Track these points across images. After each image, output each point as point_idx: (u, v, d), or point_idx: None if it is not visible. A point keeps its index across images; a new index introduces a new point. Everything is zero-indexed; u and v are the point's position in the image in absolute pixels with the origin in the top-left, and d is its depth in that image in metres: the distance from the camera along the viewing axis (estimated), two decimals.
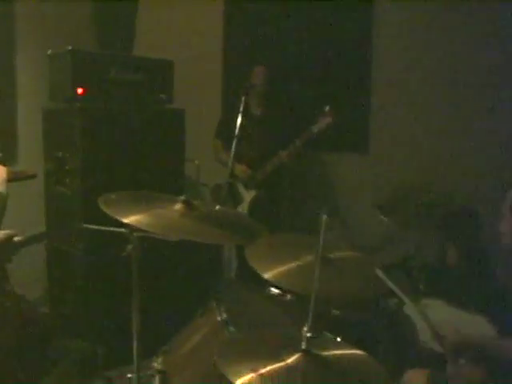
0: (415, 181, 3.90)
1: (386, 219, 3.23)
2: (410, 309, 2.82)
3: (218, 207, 2.13)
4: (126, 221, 1.78)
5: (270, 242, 2.19)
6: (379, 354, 2.66)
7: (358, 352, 1.68)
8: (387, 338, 2.72)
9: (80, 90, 3.21)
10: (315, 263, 1.58)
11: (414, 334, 2.56)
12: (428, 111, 4.18)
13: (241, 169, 4.03)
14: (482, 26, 3.99)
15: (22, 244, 2.50)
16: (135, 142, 3.39)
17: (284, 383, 1.45)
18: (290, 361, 1.50)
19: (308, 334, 1.53)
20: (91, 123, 3.23)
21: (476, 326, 2.62)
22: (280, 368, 1.47)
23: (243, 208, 3.97)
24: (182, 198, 1.99)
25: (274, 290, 2.57)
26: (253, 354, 1.56)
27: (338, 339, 2.27)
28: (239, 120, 3.28)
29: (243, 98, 3.44)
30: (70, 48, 3.20)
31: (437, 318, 2.70)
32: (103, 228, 2.13)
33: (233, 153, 3.21)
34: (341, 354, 1.64)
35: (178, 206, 1.94)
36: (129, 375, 2.24)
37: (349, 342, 2.00)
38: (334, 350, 1.64)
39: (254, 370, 1.46)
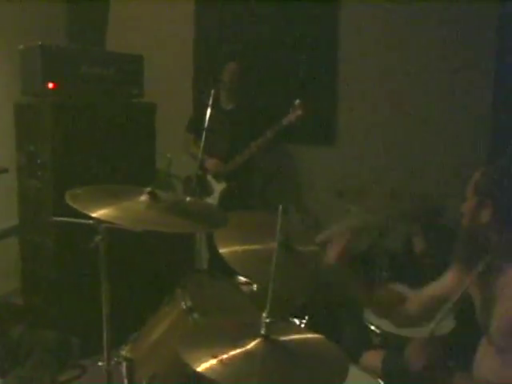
0: (381, 172, 4.02)
1: (352, 208, 3.30)
2: None
3: (185, 198, 2.18)
4: (93, 215, 1.82)
5: (241, 221, 2.24)
6: (342, 338, 2.77)
7: (317, 336, 1.75)
8: (349, 322, 2.81)
9: (51, 85, 3.23)
10: (275, 251, 1.63)
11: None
12: (394, 104, 4.28)
13: (211, 162, 4.08)
14: (445, 24, 4.11)
15: None
16: (106, 135, 3.42)
17: (244, 368, 1.49)
18: (249, 346, 1.54)
19: (267, 320, 1.57)
20: (62, 117, 3.26)
21: None
22: (240, 353, 1.52)
23: (214, 200, 4.02)
24: (148, 189, 2.04)
25: (242, 279, 2.65)
26: (214, 341, 1.61)
27: (302, 325, 2.36)
28: (208, 113, 3.33)
29: (212, 92, 3.50)
30: (40, 43, 3.21)
31: None
32: (72, 220, 2.17)
33: (202, 145, 3.26)
34: (299, 339, 1.70)
35: (144, 198, 1.99)
36: (99, 363, 2.31)
37: (313, 327, 2.08)
38: (292, 334, 1.70)
39: (214, 356, 1.50)
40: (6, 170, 3.60)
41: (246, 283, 2.61)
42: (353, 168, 4.33)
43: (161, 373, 1.97)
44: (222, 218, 2.04)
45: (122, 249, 2.70)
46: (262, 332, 1.57)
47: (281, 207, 1.58)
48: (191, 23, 4.82)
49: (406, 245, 3.49)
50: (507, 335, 1.75)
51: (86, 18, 4.80)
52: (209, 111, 3.43)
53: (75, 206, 1.87)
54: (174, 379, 1.95)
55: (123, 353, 2.06)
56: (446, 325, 2.49)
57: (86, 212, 1.86)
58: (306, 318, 2.44)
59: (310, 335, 1.76)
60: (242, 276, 2.58)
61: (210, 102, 3.45)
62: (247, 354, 1.53)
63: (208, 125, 3.44)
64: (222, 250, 1.99)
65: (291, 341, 1.65)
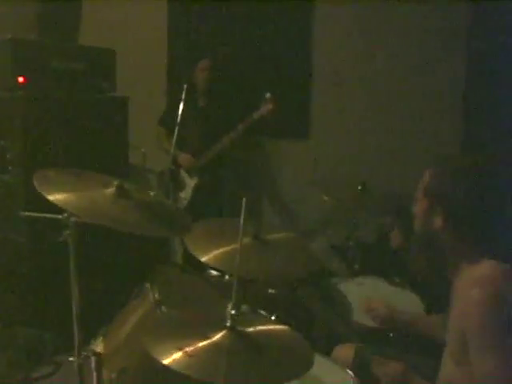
0: (354, 164, 4.05)
1: (327, 198, 3.32)
2: (345, 287, 2.95)
3: (152, 193, 2.18)
4: (51, 198, 1.80)
5: (207, 227, 2.27)
6: (314, 331, 2.78)
7: (283, 327, 1.76)
8: (322, 315, 2.82)
9: (21, 79, 3.19)
10: (239, 241, 1.64)
11: (349, 311, 2.68)
12: (367, 97, 4.32)
13: (184, 157, 4.07)
14: (419, 13, 4.14)
15: None
16: (78, 130, 3.40)
17: (210, 360, 1.50)
18: (215, 338, 1.55)
19: (232, 312, 1.58)
20: (33, 112, 3.23)
21: (408, 302, 2.75)
22: (205, 345, 1.53)
23: (186, 194, 4.02)
24: (116, 182, 2.02)
25: (213, 272, 2.66)
26: (180, 333, 1.61)
27: (273, 317, 2.37)
28: (181, 108, 3.33)
29: (185, 87, 3.50)
30: (10, 36, 3.18)
31: (371, 295, 2.83)
32: (42, 215, 2.16)
33: (174, 141, 3.25)
34: (265, 330, 1.70)
35: (111, 191, 1.98)
36: (70, 359, 2.30)
37: (284, 319, 2.09)
38: (258, 326, 1.71)
39: (179, 349, 1.51)
40: None
41: (217, 276, 2.63)
42: (326, 161, 4.35)
43: (130, 367, 1.97)
44: (186, 225, 2.05)
45: (93, 243, 2.69)
46: (228, 324, 1.58)
47: (244, 199, 1.58)
48: (165, 17, 4.80)
49: (381, 238, 3.52)
50: (458, 345, 1.70)
51: (58, 12, 4.76)
52: (181, 106, 3.42)
53: (39, 189, 1.85)
54: (144, 373, 1.95)
55: (92, 347, 2.05)
56: None
57: (45, 194, 1.84)
58: (278, 311, 2.45)
59: (276, 326, 1.77)
60: (216, 270, 2.60)
61: (183, 98, 3.45)
62: (213, 345, 1.54)
63: (180, 120, 3.44)
64: (203, 259, 2.00)
65: (257, 332, 1.66)
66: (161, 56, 4.83)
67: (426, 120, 4.19)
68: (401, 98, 4.25)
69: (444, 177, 1.78)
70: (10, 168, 3.30)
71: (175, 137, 3.26)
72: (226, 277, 2.59)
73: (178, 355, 1.50)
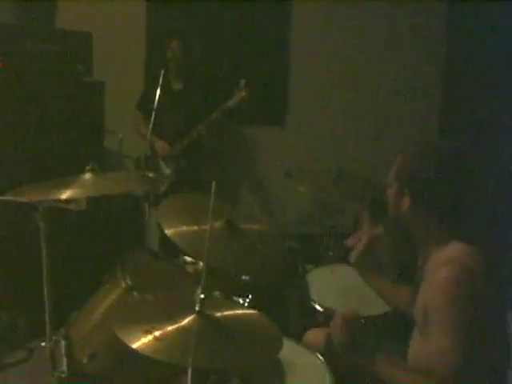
0: (330, 152, 4.06)
1: (302, 189, 3.33)
2: (318, 274, 2.97)
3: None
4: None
5: (185, 202, 2.25)
6: (287, 317, 2.81)
7: (253, 312, 1.78)
8: (295, 301, 2.84)
9: None
10: (209, 227, 1.64)
11: (321, 297, 2.70)
12: (343, 86, 4.34)
13: (160, 145, 4.05)
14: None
15: None
16: (53, 114, 3.36)
17: (178, 344, 1.50)
18: (183, 322, 1.55)
19: (201, 296, 1.58)
20: (7, 95, 3.19)
21: None
22: (174, 330, 1.53)
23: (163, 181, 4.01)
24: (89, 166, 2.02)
25: (188, 258, 2.65)
26: (149, 317, 1.62)
27: (244, 303, 2.38)
28: (157, 94, 3.31)
29: (162, 72, 3.47)
30: None
31: (343, 282, 2.86)
32: (11, 199, 2.14)
33: (151, 126, 3.24)
34: (235, 315, 1.72)
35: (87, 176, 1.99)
36: (42, 343, 2.30)
37: (258, 306, 2.10)
38: (228, 310, 1.72)
39: (148, 332, 1.52)
40: None
41: (192, 262, 2.62)
42: (302, 149, 4.37)
43: (101, 351, 1.97)
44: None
45: (66, 228, 2.68)
46: (197, 308, 1.58)
47: (214, 183, 1.58)
48: (144, 2, 4.76)
49: (355, 226, 3.53)
50: (425, 321, 1.74)
51: None
52: (158, 92, 3.40)
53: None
54: (114, 357, 1.95)
55: (63, 332, 2.04)
56: (377, 307, 2.51)
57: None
58: (250, 296, 2.46)
59: (245, 311, 1.78)
60: (188, 256, 2.59)
61: (160, 83, 3.43)
62: (181, 329, 1.54)
63: (157, 105, 3.42)
64: (167, 231, 1.99)
65: (226, 316, 1.67)
66: (139, 40, 4.78)
67: (402, 110, 4.22)
68: (377, 88, 4.28)
69: (413, 160, 1.83)
70: None
71: (151, 123, 3.24)
72: (200, 263, 2.58)
73: (146, 339, 1.50)
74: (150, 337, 1.51)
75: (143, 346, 1.49)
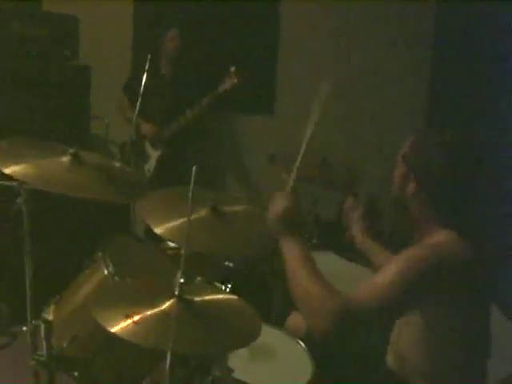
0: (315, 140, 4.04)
1: (284, 175, 3.32)
2: None
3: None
4: (6, 171, 1.78)
5: (164, 197, 2.24)
6: (270, 304, 2.81)
7: (233, 297, 1.78)
8: (277, 287, 2.85)
9: None
10: (189, 213, 1.63)
11: None
12: (332, 76, 4.33)
13: (147, 127, 4.03)
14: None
15: None
16: (38, 98, 3.35)
17: (157, 328, 1.51)
18: (163, 307, 1.55)
19: (181, 280, 1.58)
20: None
21: (360, 277, 2.78)
22: (154, 314, 1.53)
23: (150, 166, 4.00)
24: (71, 150, 2.00)
25: (171, 244, 2.64)
26: (129, 301, 1.62)
27: (226, 288, 2.38)
28: (144, 78, 3.28)
29: (149, 57, 3.45)
30: None
31: (327, 269, 2.86)
32: None
33: (137, 111, 3.22)
34: (214, 299, 1.73)
35: (66, 159, 1.95)
36: (24, 328, 2.29)
37: (240, 291, 2.10)
38: (208, 295, 1.72)
39: (127, 316, 1.52)
40: None
41: (174, 248, 2.61)
42: (289, 136, 4.35)
43: (81, 335, 1.97)
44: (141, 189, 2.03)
45: (48, 211, 2.66)
46: (176, 292, 1.58)
47: (194, 168, 1.57)
48: None
49: (339, 214, 3.54)
50: None
51: None
52: (145, 76, 3.38)
53: None
54: (95, 341, 1.95)
55: (44, 316, 2.03)
56: None
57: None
58: (232, 282, 2.45)
59: (225, 296, 1.79)
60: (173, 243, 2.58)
61: (147, 67, 3.40)
62: (160, 313, 1.54)
63: (144, 90, 3.40)
64: (158, 231, 1.97)
65: (206, 301, 1.67)
66: (126, 25, 4.75)
67: (390, 98, 4.22)
68: (365, 76, 4.28)
69: (421, 147, 1.82)
70: None
71: (137, 108, 3.23)
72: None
73: (125, 323, 1.50)
74: (128, 321, 1.51)
75: (121, 330, 1.49)
